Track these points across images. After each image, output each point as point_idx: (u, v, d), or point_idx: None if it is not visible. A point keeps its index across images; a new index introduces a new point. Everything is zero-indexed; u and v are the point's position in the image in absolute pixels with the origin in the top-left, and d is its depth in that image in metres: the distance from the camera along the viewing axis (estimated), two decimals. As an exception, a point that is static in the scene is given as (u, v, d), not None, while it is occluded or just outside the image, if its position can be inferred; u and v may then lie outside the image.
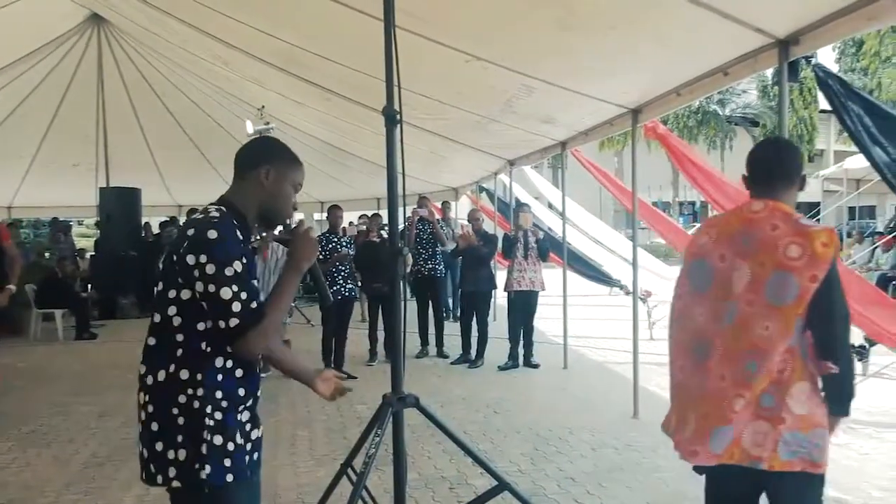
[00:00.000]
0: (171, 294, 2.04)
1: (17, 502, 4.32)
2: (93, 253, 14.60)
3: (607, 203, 30.29)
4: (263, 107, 9.87)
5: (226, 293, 1.97)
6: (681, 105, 5.58)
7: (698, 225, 33.82)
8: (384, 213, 9.04)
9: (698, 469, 2.54)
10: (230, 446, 2.05)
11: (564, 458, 4.99)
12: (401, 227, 3.34)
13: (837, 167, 16.53)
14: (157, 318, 2.08)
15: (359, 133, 9.71)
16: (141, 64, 11.64)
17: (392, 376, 3.23)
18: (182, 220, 14.41)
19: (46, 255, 13.98)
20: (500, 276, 10.58)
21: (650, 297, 10.87)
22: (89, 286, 12.75)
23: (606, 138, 25.45)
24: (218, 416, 2.03)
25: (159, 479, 2.03)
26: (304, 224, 2.40)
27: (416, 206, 9.02)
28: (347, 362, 7.89)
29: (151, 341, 2.08)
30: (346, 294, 7.75)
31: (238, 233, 2.09)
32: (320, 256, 7.53)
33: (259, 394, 2.20)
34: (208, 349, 2.04)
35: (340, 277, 7.68)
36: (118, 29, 10.65)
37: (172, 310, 2.04)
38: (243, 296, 2.00)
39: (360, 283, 8.79)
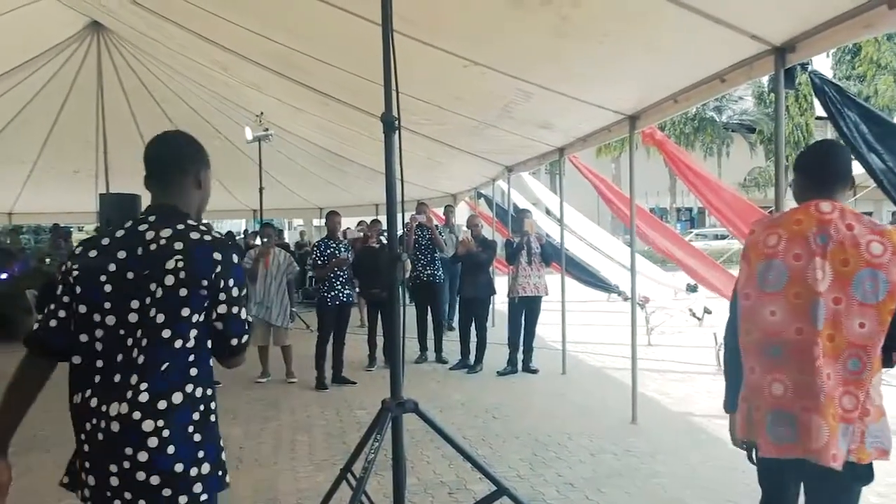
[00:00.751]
0: (195, 318, 2.01)
1: (17, 508, 4.32)
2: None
3: (605, 208, 30.26)
4: (262, 113, 9.91)
5: (244, 314, 2.08)
6: (678, 112, 5.62)
7: (694, 231, 33.84)
8: (383, 219, 9.09)
9: (783, 464, 2.45)
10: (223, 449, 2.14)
11: (563, 464, 5.00)
12: (399, 232, 3.36)
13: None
14: (176, 341, 1.99)
15: (357, 139, 9.73)
16: (140, 71, 11.66)
17: (391, 382, 3.25)
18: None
19: (47, 260, 13.98)
20: (500, 282, 10.62)
21: (648, 303, 10.90)
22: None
23: (603, 145, 25.49)
24: (215, 421, 2.11)
25: (182, 499, 1.98)
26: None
27: (414, 213, 9.05)
28: (346, 368, 7.90)
29: (164, 364, 1.98)
30: (344, 299, 7.76)
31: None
32: (319, 262, 7.58)
33: None
34: (211, 365, 2.09)
35: (339, 283, 7.69)
36: (117, 36, 10.67)
37: (193, 332, 2.01)
38: (245, 313, 2.11)
39: (357, 289, 8.81)
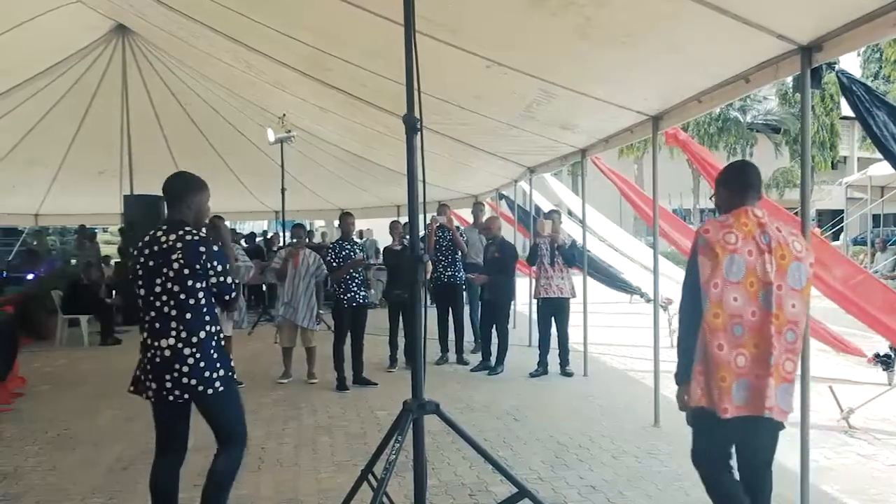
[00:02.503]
0: (199, 285, 3.41)
1: (44, 505, 4.38)
2: (117, 260, 14.76)
3: (627, 210, 30.07)
4: (285, 115, 9.98)
5: (228, 280, 3.52)
6: (702, 112, 5.56)
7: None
8: (404, 220, 9.10)
9: (729, 421, 3.02)
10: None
11: (584, 466, 4.98)
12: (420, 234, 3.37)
13: (861, 174, 16.35)
14: (191, 301, 3.39)
15: (379, 139, 9.76)
16: (164, 73, 11.79)
17: (412, 383, 3.25)
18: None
19: (73, 262, 14.16)
20: (523, 284, 10.60)
21: (671, 305, 10.80)
22: (114, 292, 12.89)
23: (626, 146, 25.35)
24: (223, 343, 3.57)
25: (209, 391, 3.42)
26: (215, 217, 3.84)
27: (435, 214, 9.04)
28: (367, 368, 7.91)
29: (188, 315, 3.39)
30: (361, 301, 7.77)
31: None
32: (334, 264, 7.60)
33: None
34: (217, 311, 3.54)
35: (354, 284, 7.69)
36: (143, 39, 10.80)
37: (199, 294, 3.42)
38: (232, 280, 3.57)
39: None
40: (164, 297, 3.39)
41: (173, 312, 3.38)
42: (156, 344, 3.41)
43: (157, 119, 13.09)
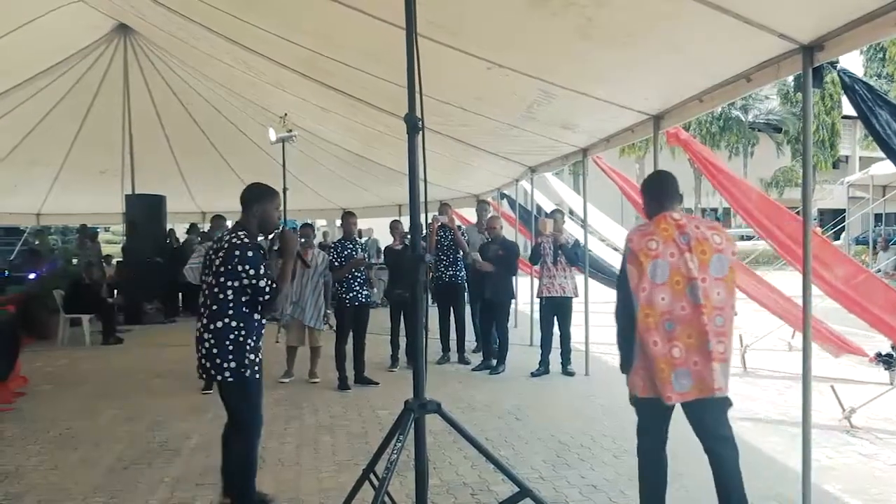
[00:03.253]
0: (229, 284, 3.78)
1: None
2: (119, 259, 14.78)
3: (629, 210, 30.09)
4: (286, 114, 9.96)
5: (262, 283, 3.78)
6: (703, 112, 5.56)
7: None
8: (405, 220, 9.10)
9: (668, 408, 3.47)
10: (253, 358, 3.90)
11: (586, 466, 4.98)
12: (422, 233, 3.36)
13: (863, 173, 16.33)
14: (220, 295, 3.79)
15: (381, 140, 9.76)
16: (166, 73, 11.80)
17: (414, 382, 3.25)
18: (205, 226, 14.54)
19: (74, 261, 14.17)
20: (524, 284, 10.60)
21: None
22: (115, 292, 12.90)
23: (627, 145, 25.34)
24: (251, 343, 3.87)
25: (219, 377, 3.82)
26: (285, 228, 4.06)
27: (436, 213, 9.04)
28: (369, 368, 7.91)
29: (214, 306, 3.80)
30: (363, 300, 7.77)
31: (259, 248, 3.87)
32: (336, 263, 7.60)
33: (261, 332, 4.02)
34: (246, 310, 3.83)
35: (357, 284, 7.69)
36: (144, 38, 10.80)
37: (228, 291, 3.78)
38: (271, 283, 3.83)
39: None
40: (205, 288, 3.90)
41: (207, 301, 3.84)
42: (196, 324, 3.94)
43: (159, 118, 13.11)
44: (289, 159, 10.95)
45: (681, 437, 5.60)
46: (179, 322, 13.11)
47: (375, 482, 3.53)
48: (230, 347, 3.77)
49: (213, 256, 3.90)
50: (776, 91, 33.85)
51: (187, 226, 15.48)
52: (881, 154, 5.01)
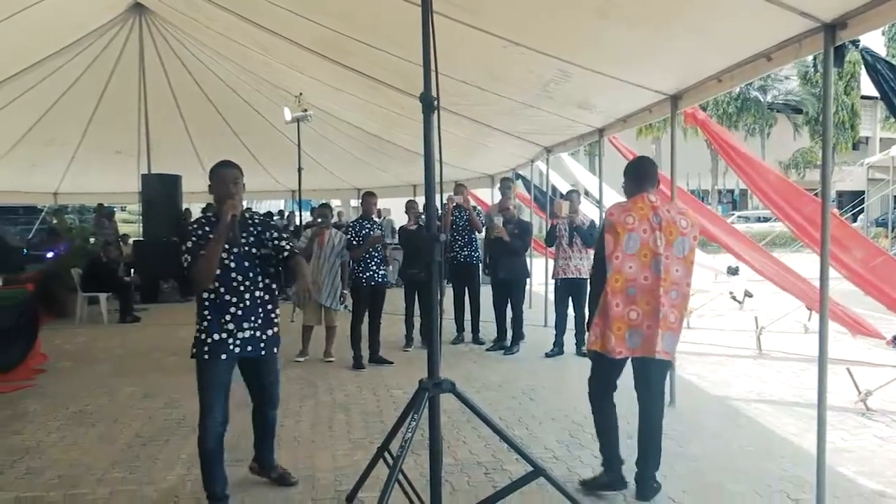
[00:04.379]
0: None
1: (66, 479, 4.45)
2: (136, 238, 14.88)
3: (645, 191, 29.93)
4: (301, 94, 9.95)
5: (183, 258, 3.71)
6: (721, 91, 5.48)
7: (736, 213, 33.27)
8: (420, 200, 9.08)
9: (618, 361, 3.97)
10: (202, 338, 3.77)
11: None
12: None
13: (884, 154, 16.13)
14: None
15: (396, 120, 9.73)
16: (181, 52, 11.79)
17: (428, 362, 3.26)
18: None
19: (91, 240, 14.28)
20: (539, 265, 10.58)
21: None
22: (132, 271, 13.01)
23: (644, 125, 25.12)
24: (204, 323, 3.77)
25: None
26: (229, 202, 3.75)
27: (451, 193, 9.02)
28: (383, 347, 7.95)
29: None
30: (379, 280, 7.80)
31: (200, 224, 3.79)
32: (354, 242, 7.62)
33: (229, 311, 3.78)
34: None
35: (374, 263, 7.71)
36: (159, 18, 10.79)
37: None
38: (189, 259, 3.69)
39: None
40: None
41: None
42: None
43: (175, 98, 13.12)
44: (303, 139, 10.97)
45: (695, 420, 5.61)
46: (195, 300, 13.17)
47: (390, 461, 3.57)
48: (196, 320, 3.82)
49: None
50: (796, 71, 33.40)
51: (203, 205, 15.55)
52: (902, 135, 4.93)
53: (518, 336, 8.40)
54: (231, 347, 3.76)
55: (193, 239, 3.69)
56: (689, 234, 3.90)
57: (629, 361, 4.05)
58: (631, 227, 3.86)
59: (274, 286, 3.95)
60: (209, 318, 3.73)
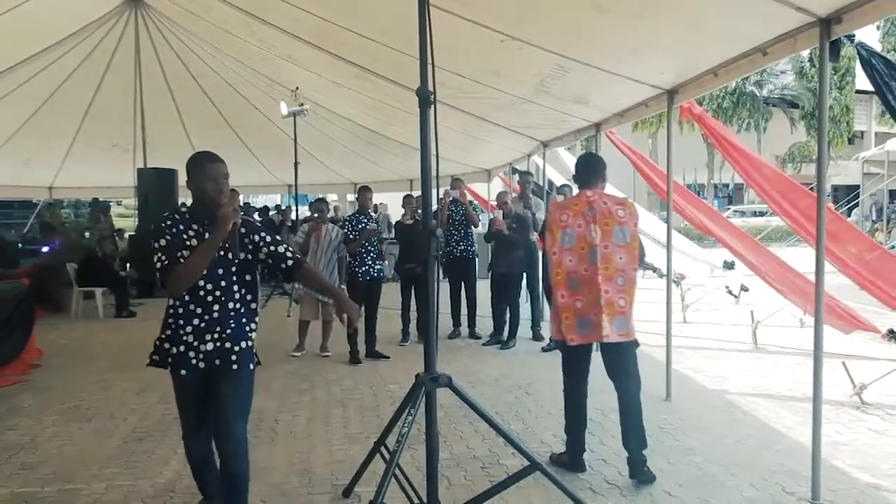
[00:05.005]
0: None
1: (61, 475, 4.45)
2: (132, 233, 14.85)
3: (641, 185, 29.93)
4: (297, 88, 9.93)
5: (155, 258, 3.20)
6: (718, 86, 5.49)
7: (732, 208, 33.29)
8: (417, 195, 9.07)
9: (576, 347, 4.25)
10: (166, 347, 3.38)
11: (596, 440, 4.99)
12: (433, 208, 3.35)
13: (878, 149, 16.16)
14: None
15: (393, 114, 9.71)
16: (177, 46, 11.75)
17: (425, 356, 3.26)
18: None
19: (87, 234, 14.25)
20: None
21: (684, 280, 10.78)
22: (128, 265, 12.99)
23: (640, 120, 25.11)
24: (167, 332, 3.36)
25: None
26: (226, 204, 3.24)
27: (447, 188, 9.01)
28: (380, 342, 7.95)
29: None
30: (375, 275, 7.79)
31: (175, 221, 3.25)
32: (350, 236, 7.61)
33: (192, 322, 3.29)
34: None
35: (370, 258, 7.71)
36: (155, 11, 10.75)
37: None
38: (163, 258, 3.17)
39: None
40: None
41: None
42: None
43: (170, 92, 13.08)
44: (300, 133, 10.95)
45: (691, 414, 5.62)
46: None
47: (386, 455, 3.57)
48: (162, 328, 3.41)
49: None
50: (791, 66, 33.40)
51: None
52: (898, 129, 4.93)
53: (514, 331, 8.41)
54: (194, 362, 3.29)
55: (168, 237, 3.18)
56: (627, 223, 4.16)
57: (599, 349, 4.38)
58: (565, 224, 4.19)
59: (250, 296, 3.39)
60: (172, 326, 3.31)
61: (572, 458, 4.41)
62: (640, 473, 4.17)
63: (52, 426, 5.47)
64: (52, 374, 7.22)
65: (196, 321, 3.26)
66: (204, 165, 3.28)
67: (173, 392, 3.45)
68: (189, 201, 3.48)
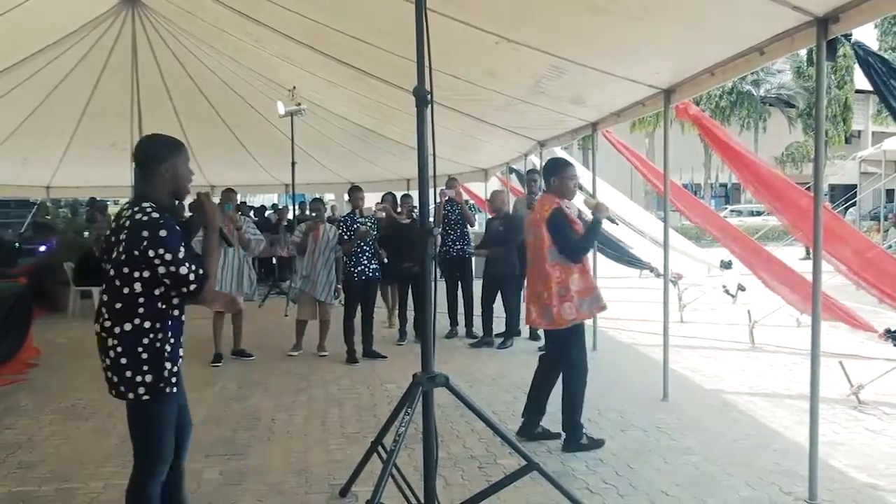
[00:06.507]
0: (136, 274, 2.81)
1: (58, 474, 4.44)
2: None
3: (638, 184, 29.99)
4: (294, 88, 9.92)
5: (183, 270, 2.80)
6: (715, 85, 5.48)
7: (729, 207, 33.33)
8: (414, 194, 9.07)
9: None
10: (172, 369, 2.92)
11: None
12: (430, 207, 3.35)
13: (876, 148, 16.18)
14: (125, 290, 2.84)
15: (389, 114, 9.70)
16: (174, 45, 11.72)
17: (422, 356, 3.26)
18: (215, 199, 14.57)
19: (84, 234, 14.22)
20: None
21: (681, 280, 10.78)
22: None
23: (638, 119, 25.14)
24: (170, 349, 2.90)
25: (131, 395, 2.85)
26: (201, 193, 3.16)
27: (443, 188, 9.02)
28: (377, 342, 7.95)
29: (118, 305, 2.85)
30: (371, 274, 7.78)
31: (174, 223, 2.89)
32: (345, 237, 7.61)
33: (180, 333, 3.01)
34: (163, 306, 2.87)
35: (365, 258, 7.70)
36: (152, 11, 10.73)
37: (137, 285, 2.82)
38: (193, 267, 2.83)
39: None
40: (106, 280, 2.95)
41: (104, 297, 2.94)
42: (95, 326, 2.95)
43: (167, 91, 13.04)
44: (297, 133, 10.94)
45: (688, 414, 5.63)
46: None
47: (384, 455, 3.57)
48: (144, 356, 2.83)
49: (112, 239, 2.94)
50: (789, 65, 33.44)
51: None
52: (895, 129, 4.94)
53: (513, 330, 8.40)
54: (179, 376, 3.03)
55: (183, 244, 2.88)
56: (540, 224, 4.74)
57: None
58: (528, 225, 4.97)
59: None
60: (175, 342, 2.95)
61: (521, 425, 5.09)
62: (566, 439, 4.88)
63: (49, 425, 5.47)
64: (50, 373, 7.21)
65: (179, 330, 2.99)
66: (183, 149, 3.10)
67: (165, 423, 2.96)
68: (185, 201, 3.37)
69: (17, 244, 14.09)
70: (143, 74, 11.46)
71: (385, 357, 7.72)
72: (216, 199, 12.76)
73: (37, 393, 6.44)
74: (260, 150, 15.13)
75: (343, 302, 7.93)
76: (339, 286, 8.00)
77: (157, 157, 2.99)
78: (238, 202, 9.21)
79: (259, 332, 8.94)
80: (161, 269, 2.78)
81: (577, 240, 4.75)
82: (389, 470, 3.16)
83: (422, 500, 3.28)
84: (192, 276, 2.82)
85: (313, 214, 8.10)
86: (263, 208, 18.64)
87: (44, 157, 15.17)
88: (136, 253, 2.78)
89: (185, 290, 2.84)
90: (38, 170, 16.02)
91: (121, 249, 2.84)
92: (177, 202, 3.17)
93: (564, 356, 4.92)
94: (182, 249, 2.82)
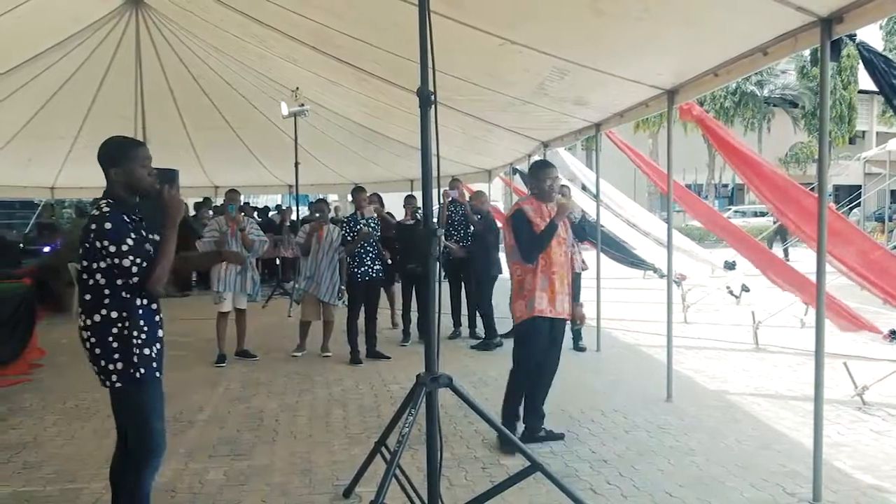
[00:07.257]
0: (94, 265, 2.97)
1: (63, 474, 4.45)
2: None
3: (642, 185, 29.98)
4: (298, 88, 9.93)
5: (126, 262, 2.91)
6: (718, 86, 5.48)
7: (733, 208, 33.28)
8: (418, 195, 9.08)
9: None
10: (147, 353, 3.03)
11: (596, 440, 5.00)
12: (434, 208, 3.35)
13: (880, 149, 16.14)
14: (90, 281, 2.99)
15: (393, 114, 9.71)
16: (178, 46, 11.73)
17: (426, 357, 3.26)
18: (219, 200, 14.63)
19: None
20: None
21: (685, 281, 10.77)
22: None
23: (641, 120, 25.13)
24: (143, 336, 3.00)
25: (107, 383, 3.09)
26: (165, 188, 3.18)
27: (447, 188, 9.02)
28: (381, 342, 7.95)
29: (87, 296, 3.00)
30: (374, 275, 7.78)
31: (125, 217, 3.00)
32: (347, 238, 7.61)
33: (159, 318, 3.13)
34: (127, 295, 2.97)
35: (368, 258, 7.70)
36: (156, 12, 10.76)
37: (99, 276, 2.97)
38: (138, 260, 2.92)
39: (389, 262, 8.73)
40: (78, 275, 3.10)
41: (81, 291, 3.08)
42: (78, 324, 3.09)
43: (171, 92, 13.07)
44: (300, 134, 10.95)
45: (691, 415, 5.62)
46: (192, 296, 13.22)
47: (387, 455, 3.57)
48: (115, 345, 2.97)
49: (83, 235, 3.06)
50: (793, 66, 33.37)
51: (199, 199, 15.54)
52: (899, 129, 4.93)
53: (491, 333, 8.41)
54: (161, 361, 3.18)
55: (133, 236, 2.95)
56: (506, 224, 4.96)
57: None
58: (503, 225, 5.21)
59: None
60: (148, 328, 3.06)
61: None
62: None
63: (53, 425, 5.48)
64: (54, 373, 7.22)
65: (157, 317, 3.12)
66: (133, 150, 3.23)
67: (148, 408, 3.16)
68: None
69: (21, 245, 14.12)
70: (147, 75, 11.48)
71: (389, 358, 7.72)
72: (219, 201, 12.81)
73: (41, 393, 6.45)
74: (263, 150, 15.15)
75: (346, 303, 7.93)
76: (342, 287, 8.00)
77: (108, 159, 3.15)
78: (241, 203, 9.22)
79: (263, 333, 8.95)
80: (107, 261, 2.93)
81: (527, 240, 4.76)
82: (393, 471, 3.16)
83: (425, 501, 3.27)
84: (134, 269, 2.91)
85: (317, 215, 8.10)
86: (267, 209, 18.63)
87: (48, 158, 15.20)
88: (88, 245, 2.98)
89: (129, 281, 2.94)
90: (42, 170, 16.07)
91: (86, 245, 3.00)
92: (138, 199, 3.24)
93: (513, 353, 5.05)
94: (128, 242, 2.92)
